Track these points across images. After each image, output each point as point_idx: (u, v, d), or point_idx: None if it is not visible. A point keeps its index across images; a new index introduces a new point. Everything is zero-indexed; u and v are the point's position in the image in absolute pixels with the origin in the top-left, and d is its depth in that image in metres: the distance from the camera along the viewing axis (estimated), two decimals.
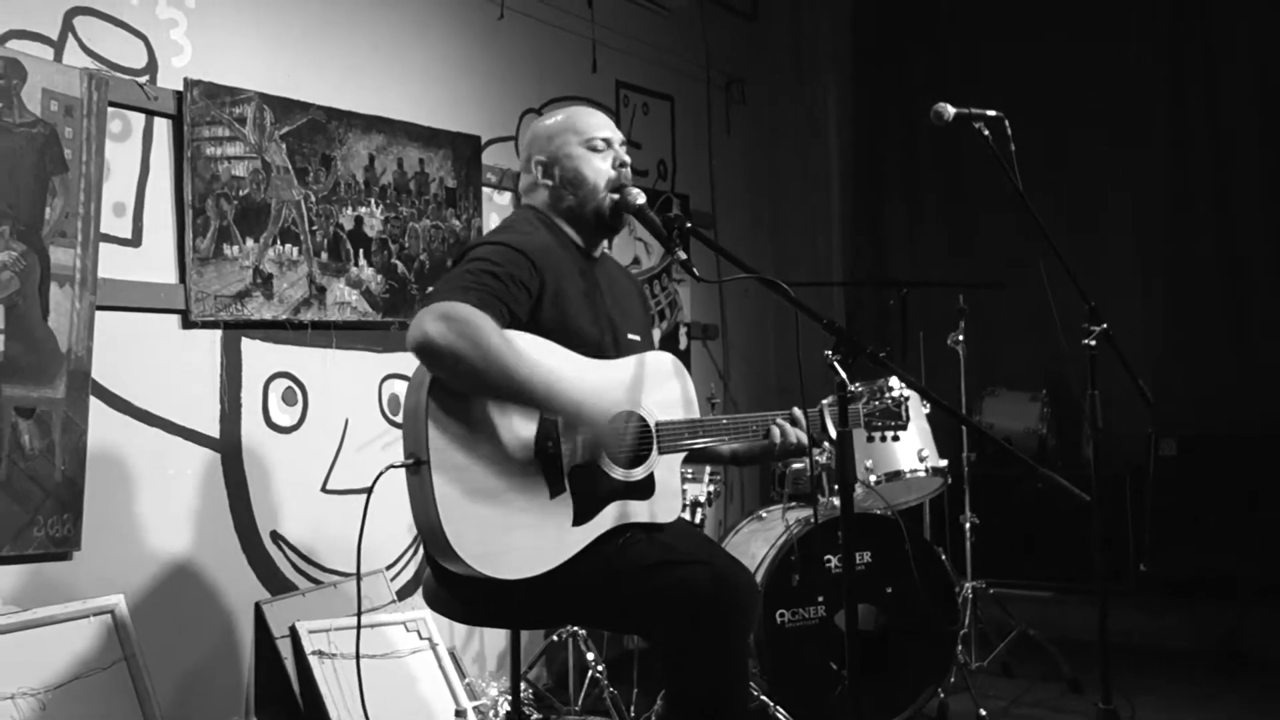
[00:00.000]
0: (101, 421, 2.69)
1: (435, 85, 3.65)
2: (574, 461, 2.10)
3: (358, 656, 2.19)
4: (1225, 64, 4.68)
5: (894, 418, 2.51)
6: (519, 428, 2.06)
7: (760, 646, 3.14)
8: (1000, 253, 4.98)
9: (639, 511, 2.18)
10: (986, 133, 2.65)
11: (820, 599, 3.23)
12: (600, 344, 2.22)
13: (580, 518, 2.09)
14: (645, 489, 2.19)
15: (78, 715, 2.46)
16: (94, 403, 2.66)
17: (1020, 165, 2.68)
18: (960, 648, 3.54)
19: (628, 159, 2.34)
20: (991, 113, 2.66)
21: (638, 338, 2.37)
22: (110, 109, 2.70)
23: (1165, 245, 4.79)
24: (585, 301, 2.24)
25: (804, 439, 2.34)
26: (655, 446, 2.22)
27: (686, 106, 4.94)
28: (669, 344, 4.63)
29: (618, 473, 2.16)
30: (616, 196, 2.28)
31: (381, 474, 2.06)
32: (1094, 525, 3.09)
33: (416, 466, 1.98)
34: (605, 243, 2.42)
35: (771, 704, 3.11)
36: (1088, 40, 4.91)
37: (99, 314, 2.66)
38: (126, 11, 2.79)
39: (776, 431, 2.33)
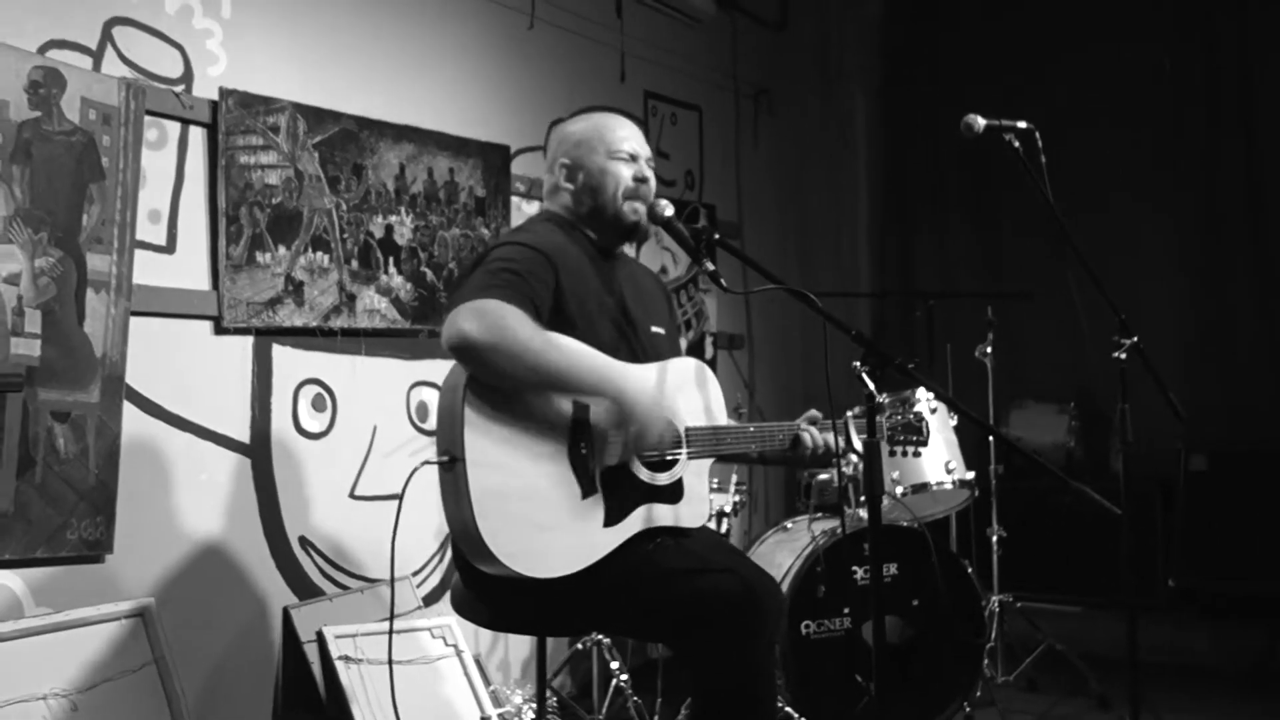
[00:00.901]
0: (134, 425, 2.72)
1: (465, 95, 3.68)
2: (604, 463, 2.11)
3: (390, 661, 2.20)
4: (1260, 67, 4.63)
5: (915, 433, 2.50)
6: (552, 428, 2.07)
7: (785, 657, 3.13)
8: (1029, 264, 4.95)
9: (668, 515, 2.19)
10: (1017, 144, 2.64)
11: (846, 610, 3.22)
12: (617, 339, 2.24)
13: (611, 519, 2.11)
14: (674, 493, 2.21)
15: (108, 716, 2.49)
16: (127, 407, 2.70)
17: (1050, 176, 2.66)
18: (986, 662, 3.51)
19: (650, 175, 2.35)
20: (1022, 124, 2.65)
21: (661, 330, 2.39)
22: (147, 118, 2.74)
23: (1198, 256, 4.75)
24: (601, 297, 2.26)
25: (831, 442, 2.36)
26: (685, 451, 2.23)
27: (714, 117, 4.95)
28: (695, 354, 4.63)
29: (647, 475, 2.17)
30: (636, 206, 2.31)
31: (415, 470, 2.07)
32: (1123, 540, 3.06)
33: (451, 464, 2.00)
34: (628, 247, 2.44)
35: (796, 715, 3.10)
36: (1120, 49, 4.86)
37: (133, 319, 2.69)
38: (164, 22, 2.83)
39: (806, 438, 2.35)
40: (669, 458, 2.21)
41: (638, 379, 2.12)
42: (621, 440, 2.12)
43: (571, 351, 2.04)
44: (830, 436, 2.36)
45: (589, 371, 2.05)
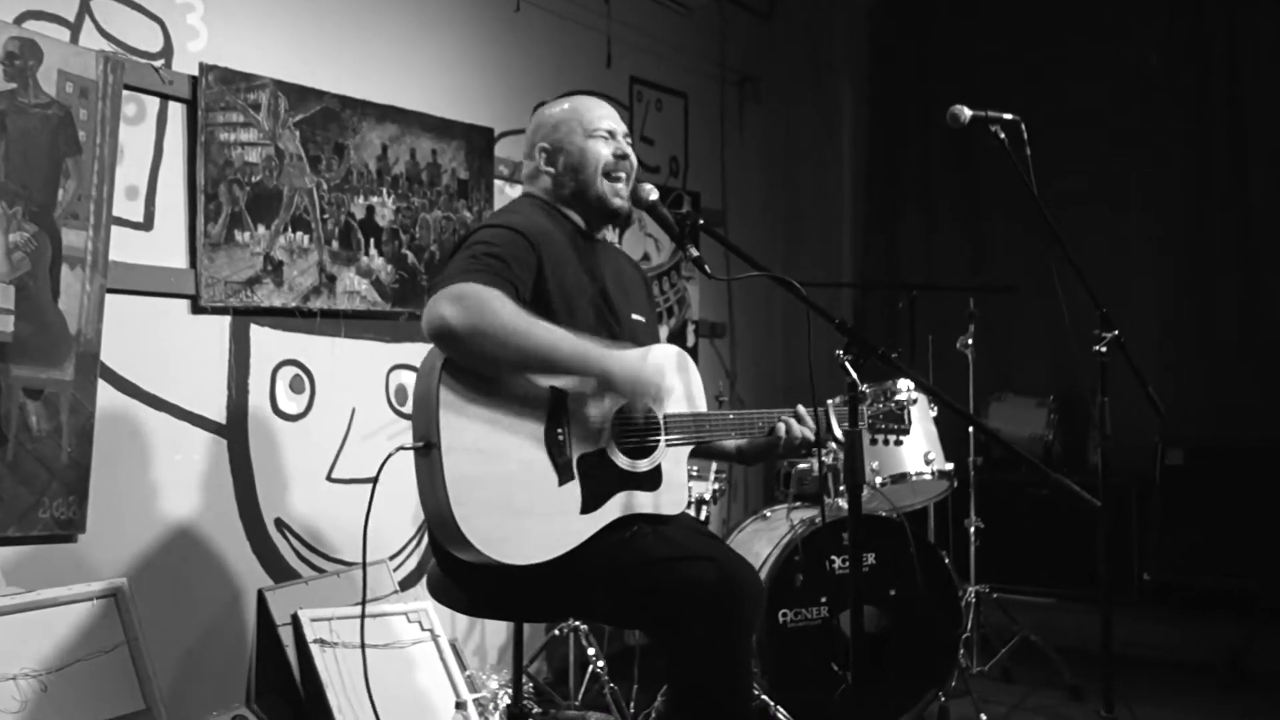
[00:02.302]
0: (109, 404, 2.69)
1: (450, 76, 3.65)
2: (585, 447, 2.10)
3: (363, 645, 2.19)
4: (1247, 67, 4.64)
5: (896, 420, 2.50)
6: (529, 412, 2.06)
7: (762, 646, 3.13)
8: (1012, 257, 4.96)
9: (645, 503, 2.18)
10: (1003, 136, 2.63)
11: (823, 600, 3.22)
12: (598, 324, 2.24)
13: (588, 506, 2.10)
14: (652, 480, 2.20)
15: (79, 697, 2.46)
16: (102, 385, 2.67)
17: (1036, 168, 2.66)
18: (962, 652, 3.53)
19: (630, 151, 2.36)
20: (1008, 116, 2.65)
21: (641, 318, 2.39)
22: (125, 92, 2.69)
23: (1179, 251, 4.76)
24: (583, 281, 2.25)
25: (809, 436, 2.34)
26: (664, 438, 2.22)
27: (700, 103, 4.93)
28: (676, 341, 4.62)
29: (625, 462, 2.16)
30: (619, 189, 2.32)
31: (390, 455, 2.05)
32: (1099, 533, 3.08)
33: (426, 450, 1.98)
34: (613, 231, 2.44)
35: (772, 704, 3.11)
36: (1108, 42, 4.87)
37: (109, 297, 2.66)
38: None
39: (782, 428, 2.34)
40: (648, 444, 2.21)
41: (621, 354, 2.10)
42: (607, 413, 2.12)
43: (555, 332, 2.03)
44: (809, 431, 2.36)
45: (574, 351, 2.03)
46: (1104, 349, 2.83)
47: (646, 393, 2.12)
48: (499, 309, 1.96)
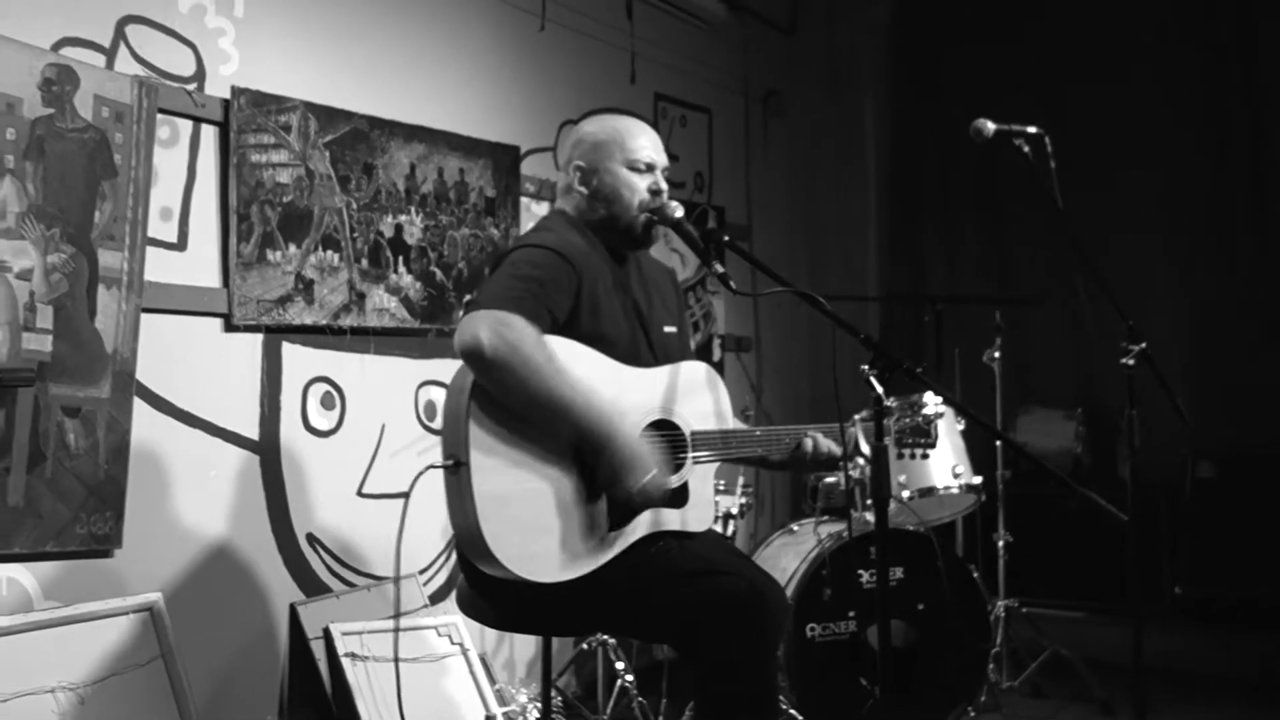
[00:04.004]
0: (144, 422, 2.73)
1: (476, 95, 3.69)
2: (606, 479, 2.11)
3: (396, 659, 2.21)
4: (1267, 71, 4.62)
5: (923, 435, 2.50)
6: (558, 432, 2.07)
7: (790, 660, 3.13)
8: (1037, 269, 4.95)
9: (672, 519, 2.19)
10: (1027, 149, 2.64)
11: (851, 614, 3.22)
12: (632, 343, 2.25)
13: (616, 523, 2.11)
14: (679, 497, 2.21)
15: (115, 710, 2.50)
16: (137, 403, 2.71)
17: (1059, 179, 2.66)
18: (991, 666, 3.51)
19: (665, 186, 2.35)
20: (1032, 129, 2.65)
21: (673, 329, 2.40)
22: (159, 116, 2.75)
23: (1205, 261, 4.73)
24: (616, 302, 2.27)
25: (835, 451, 2.35)
26: (690, 456, 2.23)
27: (724, 119, 4.95)
28: (703, 356, 4.64)
29: None
30: (647, 216, 2.31)
31: (421, 474, 2.08)
32: (1129, 546, 3.06)
33: (456, 467, 2.00)
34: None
35: (800, 718, 3.10)
36: (1128, 51, 4.86)
37: (144, 316, 2.70)
38: (176, 20, 2.84)
39: (808, 444, 2.34)
40: (675, 461, 2.22)
41: (628, 432, 2.07)
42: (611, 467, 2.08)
43: (575, 389, 2.02)
44: (834, 447, 2.36)
45: (586, 412, 2.02)
46: (1131, 361, 2.82)
47: (634, 477, 2.05)
48: (533, 350, 1.98)
